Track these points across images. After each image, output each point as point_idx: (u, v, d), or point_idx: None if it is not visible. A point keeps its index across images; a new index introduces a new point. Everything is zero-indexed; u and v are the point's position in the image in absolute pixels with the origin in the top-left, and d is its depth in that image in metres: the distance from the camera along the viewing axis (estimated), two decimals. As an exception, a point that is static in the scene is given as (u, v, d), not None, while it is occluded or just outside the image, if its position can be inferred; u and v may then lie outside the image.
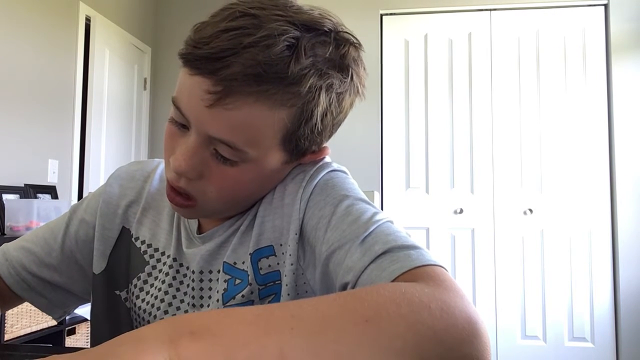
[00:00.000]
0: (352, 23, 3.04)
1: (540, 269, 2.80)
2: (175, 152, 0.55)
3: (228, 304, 0.58)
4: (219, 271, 0.61)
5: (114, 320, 0.67)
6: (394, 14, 3.05)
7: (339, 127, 0.61)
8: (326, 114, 0.56)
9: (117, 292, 0.67)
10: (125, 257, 0.67)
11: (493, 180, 2.87)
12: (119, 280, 0.67)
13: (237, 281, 0.59)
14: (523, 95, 2.89)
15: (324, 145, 0.62)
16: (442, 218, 2.90)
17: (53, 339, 2.16)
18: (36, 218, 2.26)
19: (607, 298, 2.74)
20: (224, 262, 0.60)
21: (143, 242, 0.67)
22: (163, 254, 0.65)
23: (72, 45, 2.96)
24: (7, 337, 1.89)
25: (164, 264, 0.65)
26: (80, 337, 2.40)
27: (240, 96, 0.50)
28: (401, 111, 2.99)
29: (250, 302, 0.58)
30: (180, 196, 0.57)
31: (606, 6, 2.85)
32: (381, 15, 3.04)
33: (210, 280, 0.61)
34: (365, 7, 3.03)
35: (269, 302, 0.58)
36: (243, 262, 0.59)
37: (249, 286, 0.58)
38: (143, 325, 0.63)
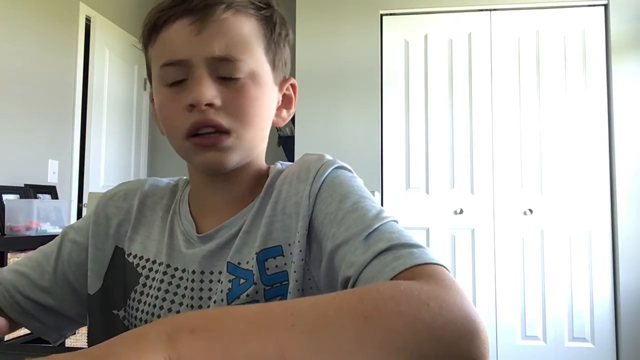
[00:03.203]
0: (352, 23, 3.06)
1: (540, 269, 2.80)
2: (179, 110, 0.59)
3: (233, 303, 0.59)
4: (220, 272, 0.61)
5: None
6: (394, 14, 3.05)
7: (289, 59, 0.69)
8: (283, 26, 0.65)
9: (115, 312, 0.66)
10: (120, 275, 0.67)
11: (493, 181, 2.87)
12: (116, 299, 0.67)
13: (242, 281, 0.59)
14: (523, 96, 2.89)
15: (288, 76, 0.68)
16: (442, 218, 2.90)
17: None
18: (36, 218, 2.26)
19: (607, 298, 2.73)
20: (228, 262, 0.61)
21: (135, 256, 0.67)
22: (154, 262, 0.66)
23: (72, 45, 2.96)
24: (7, 337, 1.89)
25: (157, 272, 0.65)
26: (81, 337, 2.39)
27: (216, 10, 0.58)
28: (401, 111, 2.99)
29: (256, 302, 0.58)
30: (212, 135, 0.59)
31: (606, 6, 2.85)
32: (381, 15, 3.04)
33: (211, 281, 0.61)
34: (365, 7, 3.03)
35: None
36: (247, 262, 0.60)
37: (253, 285, 0.58)
38: None
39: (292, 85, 0.69)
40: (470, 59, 2.95)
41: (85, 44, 3.08)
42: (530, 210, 2.83)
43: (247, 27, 0.60)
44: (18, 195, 2.42)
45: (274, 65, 0.63)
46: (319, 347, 0.35)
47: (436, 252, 2.87)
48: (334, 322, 0.36)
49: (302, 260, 0.58)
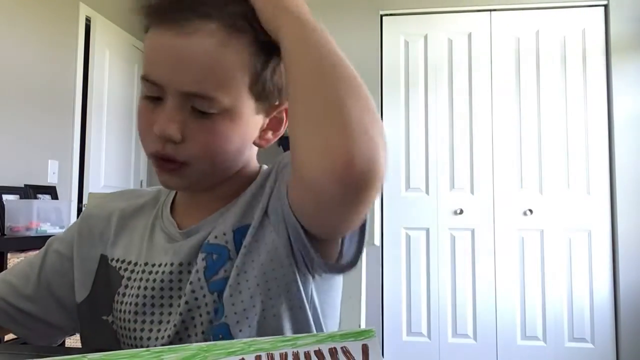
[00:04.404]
0: (352, 23, 3.05)
1: (540, 269, 2.80)
2: (148, 127, 0.58)
3: (212, 280, 0.59)
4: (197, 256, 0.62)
5: (102, 345, 0.67)
6: (394, 14, 3.05)
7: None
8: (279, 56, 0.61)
9: (104, 318, 0.67)
10: (106, 281, 0.67)
11: (493, 181, 2.87)
12: (103, 305, 0.67)
13: (215, 256, 0.60)
14: (523, 96, 2.89)
15: (280, 103, 0.65)
16: (442, 218, 2.90)
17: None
18: (36, 219, 2.25)
19: (607, 298, 2.73)
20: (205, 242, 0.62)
21: (118, 260, 0.68)
22: (136, 264, 0.66)
23: (72, 46, 2.96)
24: (7, 337, 1.89)
25: (137, 272, 0.65)
26: (80, 338, 2.39)
27: (203, 29, 0.55)
28: (401, 111, 2.99)
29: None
30: (170, 162, 0.59)
31: (606, 6, 2.85)
32: (381, 16, 3.04)
33: (189, 272, 0.61)
34: (365, 7, 3.03)
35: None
36: (216, 237, 0.61)
37: (229, 261, 0.59)
38: (128, 342, 0.63)
39: (285, 110, 0.65)
40: (470, 59, 2.95)
41: (85, 44, 3.08)
42: (530, 210, 2.83)
43: (233, 57, 0.56)
44: (18, 196, 2.41)
45: (259, 96, 0.60)
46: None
47: (436, 253, 2.87)
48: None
49: (262, 209, 0.60)
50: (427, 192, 2.93)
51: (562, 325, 2.76)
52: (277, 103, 0.63)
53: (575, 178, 2.80)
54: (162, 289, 0.62)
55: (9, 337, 1.91)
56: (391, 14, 3.05)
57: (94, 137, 3.13)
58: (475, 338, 2.82)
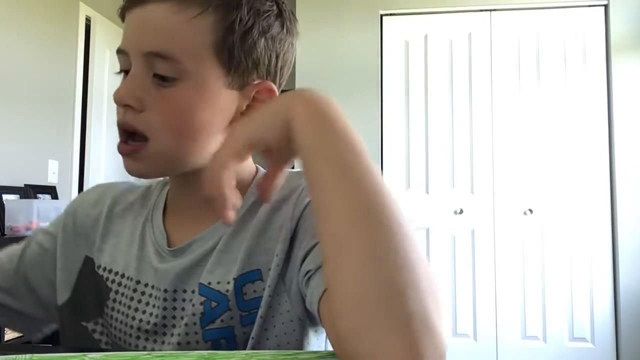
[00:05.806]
0: (352, 23, 3.06)
1: (540, 269, 2.80)
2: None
3: (207, 327, 0.56)
4: (193, 291, 0.58)
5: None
6: (394, 14, 3.05)
7: (283, 63, 0.61)
8: (254, 26, 0.56)
9: (84, 324, 0.64)
10: (91, 287, 0.64)
11: (493, 180, 2.87)
12: (85, 311, 0.64)
13: (213, 304, 0.56)
14: (523, 96, 2.89)
15: (270, 82, 0.60)
16: (442, 218, 2.90)
17: (52, 339, 2.16)
18: (36, 218, 2.26)
19: (607, 298, 2.73)
20: (200, 283, 0.58)
21: (104, 269, 0.64)
22: (123, 276, 0.63)
23: (72, 45, 2.96)
24: (7, 337, 1.89)
25: (126, 286, 0.62)
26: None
27: (157, 4, 0.54)
28: (401, 111, 2.99)
29: (230, 328, 0.56)
30: (129, 144, 0.56)
31: (606, 7, 2.85)
32: (381, 16, 3.04)
33: (184, 300, 0.58)
34: (365, 7, 3.03)
35: (253, 330, 0.56)
36: (218, 283, 0.57)
37: (228, 311, 0.56)
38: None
39: (269, 91, 0.59)
40: (470, 59, 2.95)
41: (85, 44, 3.08)
42: (530, 210, 2.83)
43: (195, 21, 0.54)
44: (18, 196, 2.41)
45: (228, 66, 0.56)
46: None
47: (436, 253, 2.87)
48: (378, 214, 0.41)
49: (278, 275, 0.56)
50: (427, 191, 2.93)
51: (562, 325, 2.76)
52: (255, 81, 0.58)
53: (576, 178, 2.80)
54: (157, 316, 0.59)
55: (9, 337, 1.91)
56: (391, 14, 3.05)
57: (94, 137, 3.13)
58: (475, 338, 2.82)
